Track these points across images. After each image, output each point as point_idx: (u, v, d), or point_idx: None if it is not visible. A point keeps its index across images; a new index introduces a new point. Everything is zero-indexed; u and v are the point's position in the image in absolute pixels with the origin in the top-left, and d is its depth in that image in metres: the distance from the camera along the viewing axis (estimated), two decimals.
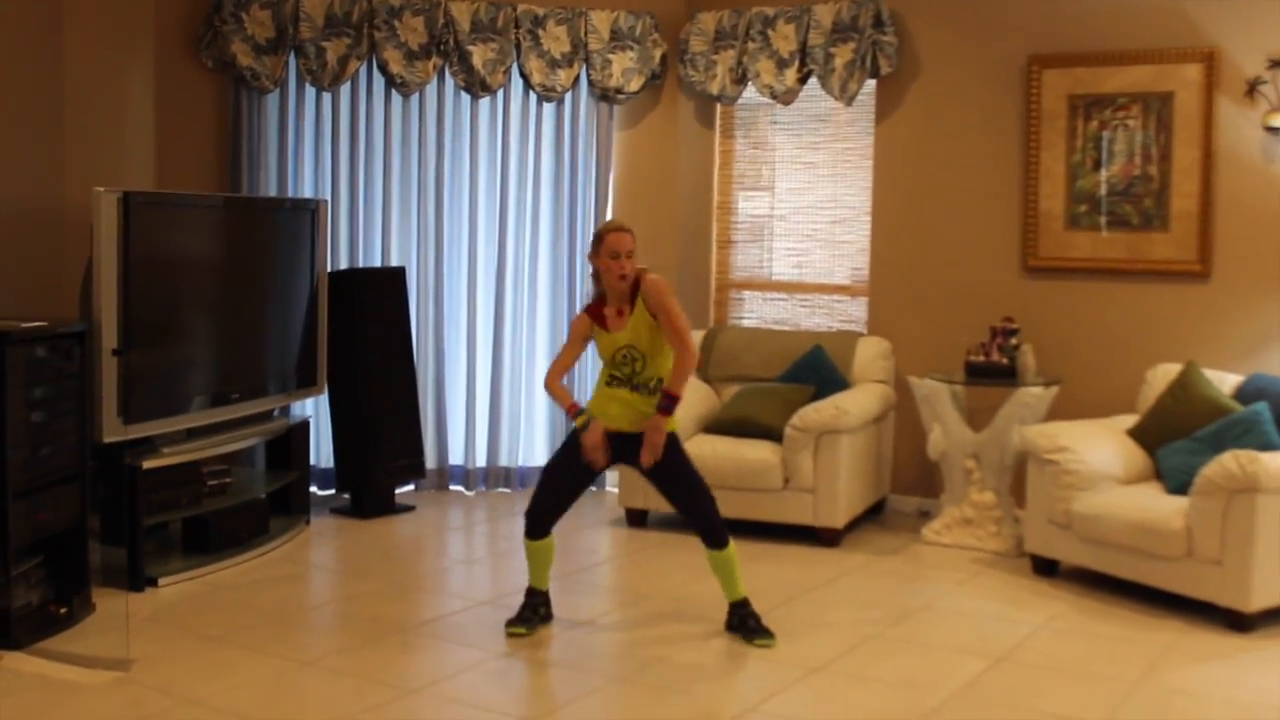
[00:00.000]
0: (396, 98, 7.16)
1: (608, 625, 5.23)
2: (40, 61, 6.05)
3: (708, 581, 5.66)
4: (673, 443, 4.94)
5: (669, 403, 4.85)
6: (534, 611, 5.14)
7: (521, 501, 7.03)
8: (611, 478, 7.23)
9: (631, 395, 4.92)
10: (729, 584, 5.06)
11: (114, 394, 5.37)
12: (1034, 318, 6.54)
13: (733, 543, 5.01)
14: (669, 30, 7.39)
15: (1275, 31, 6.03)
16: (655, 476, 5.02)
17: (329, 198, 7.08)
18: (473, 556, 6.49)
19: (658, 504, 6.57)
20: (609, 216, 7.41)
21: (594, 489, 7.22)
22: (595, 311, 5.02)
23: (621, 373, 4.94)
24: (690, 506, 5.02)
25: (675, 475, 4.98)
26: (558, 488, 5.09)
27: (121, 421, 5.41)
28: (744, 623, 5.04)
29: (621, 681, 4.62)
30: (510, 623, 5.10)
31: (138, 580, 5.48)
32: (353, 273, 6.97)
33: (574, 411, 4.98)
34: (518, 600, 5.38)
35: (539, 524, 5.07)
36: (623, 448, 4.97)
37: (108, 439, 5.38)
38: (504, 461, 7.43)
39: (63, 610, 4.96)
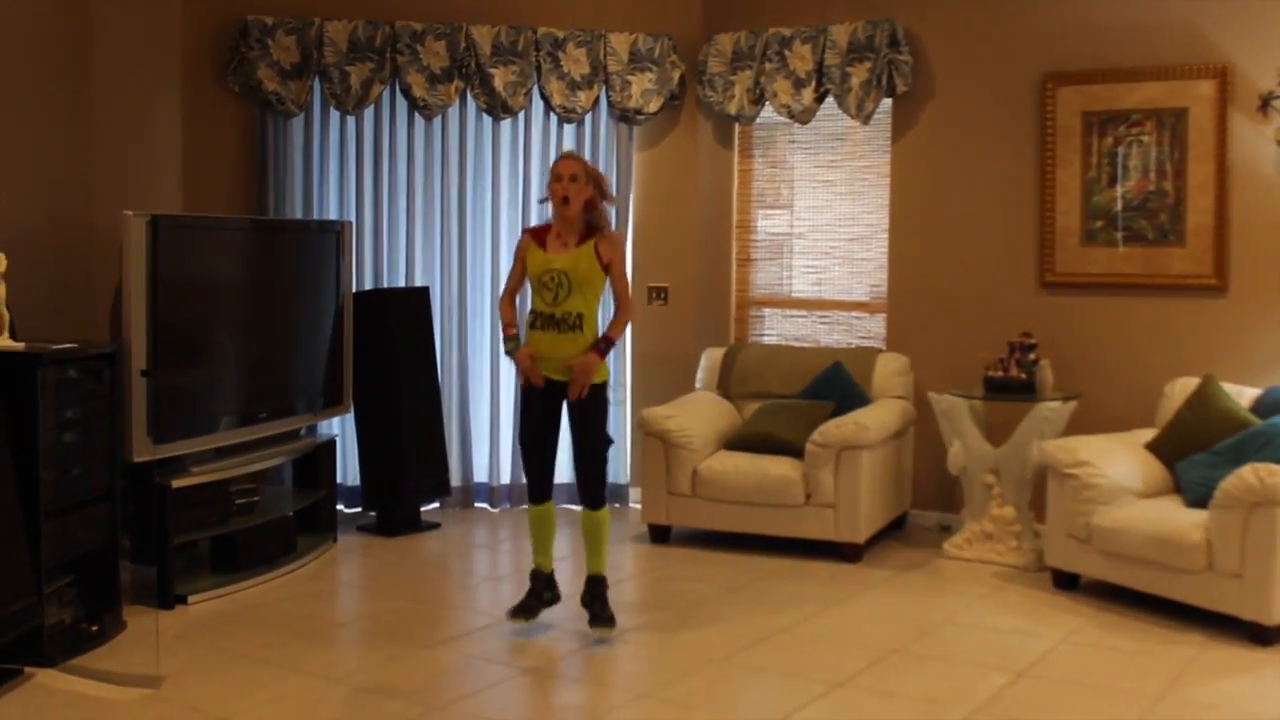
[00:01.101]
0: (419, 120, 7.21)
1: (631, 641, 5.22)
2: (70, 87, 6.11)
3: (733, 596, 5.75)
4: (599, 391, 5.15)
5: (604, 344, 5.09)
6: (537, 597, 5.29)
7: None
8: (635, 494, 7.25)
9: (553, 336, 5.06)
10: (596, 552, 5.22)
11: (143, 414, 5.41)
12: (1052, 333, 6.53)
13: (607, 509, 5.21)
14: (687, 51, 7.42)
15: None
16: (572, 416, 5.16)
17: (354, 219, 7.13)
18: (498, 573, 6.50)
19: (680, 519, 6.65)
20: (629, 234, 7.45)
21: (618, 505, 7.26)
22: (537, 233, 5.19)
23: (544, 300, 5.06)
24: (587, 456, 5.17)
25: (589, 421, 5.14)
26: (533, 452, 5.28)
27: (151, 441, 5.45)
28: (594, 602, 5.19)
29: (645, 697, 4.62)
30: (512, 611, 5.27)
31: (167, 598, 5.51)
32: (377, 293, 7.02)
33: (509, 333, 5.20)
34: (543, 616, 5.42)
35: (534, 490, 5.28)
36: (557, 392, 5.16)
37: (138, 458, 5.42)
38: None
39: (94, 628, 4.99)
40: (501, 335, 5.31)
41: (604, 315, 5.35)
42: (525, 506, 7.25)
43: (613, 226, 5.39)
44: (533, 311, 5.14)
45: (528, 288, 5.26)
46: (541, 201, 5.30)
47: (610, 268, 5.12)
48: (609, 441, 5.28)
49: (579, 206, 5.11)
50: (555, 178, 5.12)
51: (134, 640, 5.04)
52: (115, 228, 5.50)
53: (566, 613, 5.47)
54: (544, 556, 5.34)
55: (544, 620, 5.39)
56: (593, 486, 5.18)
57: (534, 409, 5.23)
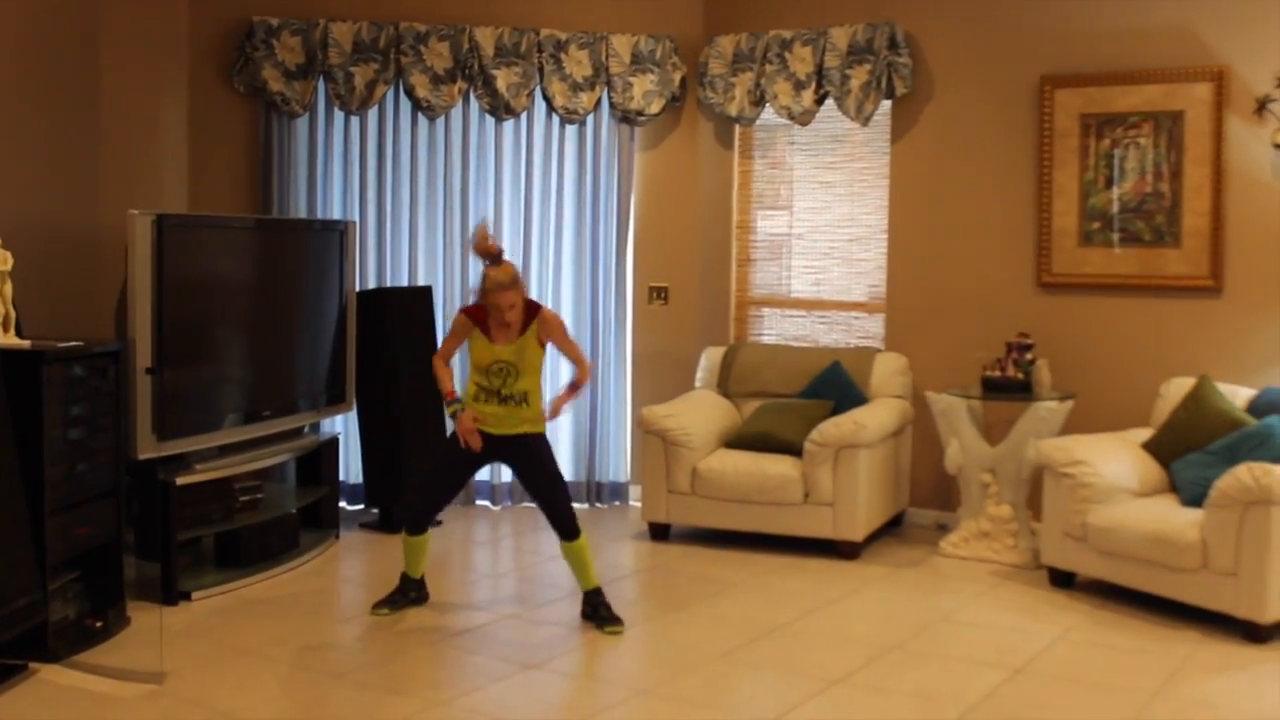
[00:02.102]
0: (423, 121, 7.23)
1: (632, 638, 5.23)
2: (76, 87, 6.14)
3: (732, 593, 5.77)
4: (542, 441, 5.35)
5: (576, 390, 5.34)
6: (404, 595, 5.53)
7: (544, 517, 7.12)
8: (635, 492, 7.27)
9: (500, 408, 5.27)
10: (582, 574, 5.37)
11: (148, 412, 5.43)
12: (1049, 333, 6.54)
13: (585, 535, 5.34)
14: (688, 53, 7.43)
15: None
16: (522, 470, 5.38)
17: (357, 219, 7.16)
18: (499, 570, 6.52)
19: (680, 517, 6.67)
20: (630, 235, 7.49)
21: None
22: (478, 318, 5.28)
23: (491, 384, 5.25)
24: (550, 501, 5.33)
25: (540, 470, 5.33)
26: (436, 486, 5.48)
27: (156, 438, 5.47)
28: (596, 611, 5.32)
29: (645, 694, 4.64)
30: (376, 605, 5.48)
31: (171, 594, 5.53)
32: (381, 292, 7.04)
33: (450, 398, 5.35)
34: (544, 613, 5.48)
35: (419, 521, 5.45)
36: (500, 450, 5.35)
37: (142, 456, 5.44)
38: None
39: (98, 624, 5.00)
40: (443, 398, 5.42)
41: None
42: (527, 505, 7.38)
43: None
44: (478, 386, 5.29)
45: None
46: (475, 291, 5.36)
47: (554, 344, 5.32)
48: (561, 477, 5.46)
49: (518, 310, 5.24)
50: (494, 306, 5.17)
51: (138, 636, 5.05)
52: (121, 226, 5.51)
53: (566, 609, 5.49)
54: (415, 570, 5.56)
55: (545, 619, 5.42)
56: (565, 519, 5.34)
57: (458, 449, 5.35)
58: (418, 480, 5.45)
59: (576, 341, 5.52)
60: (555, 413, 5.33)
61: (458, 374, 5.60)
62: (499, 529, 7.11)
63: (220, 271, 6.01)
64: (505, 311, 5.16)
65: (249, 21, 6.98)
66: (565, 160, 7.43)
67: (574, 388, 5.35)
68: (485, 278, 5.20)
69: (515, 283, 5.20)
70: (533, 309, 5.27)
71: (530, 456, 5.33)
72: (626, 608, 5.52)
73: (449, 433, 5.45)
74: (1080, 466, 5.70)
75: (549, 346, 5.34)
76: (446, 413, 5.43)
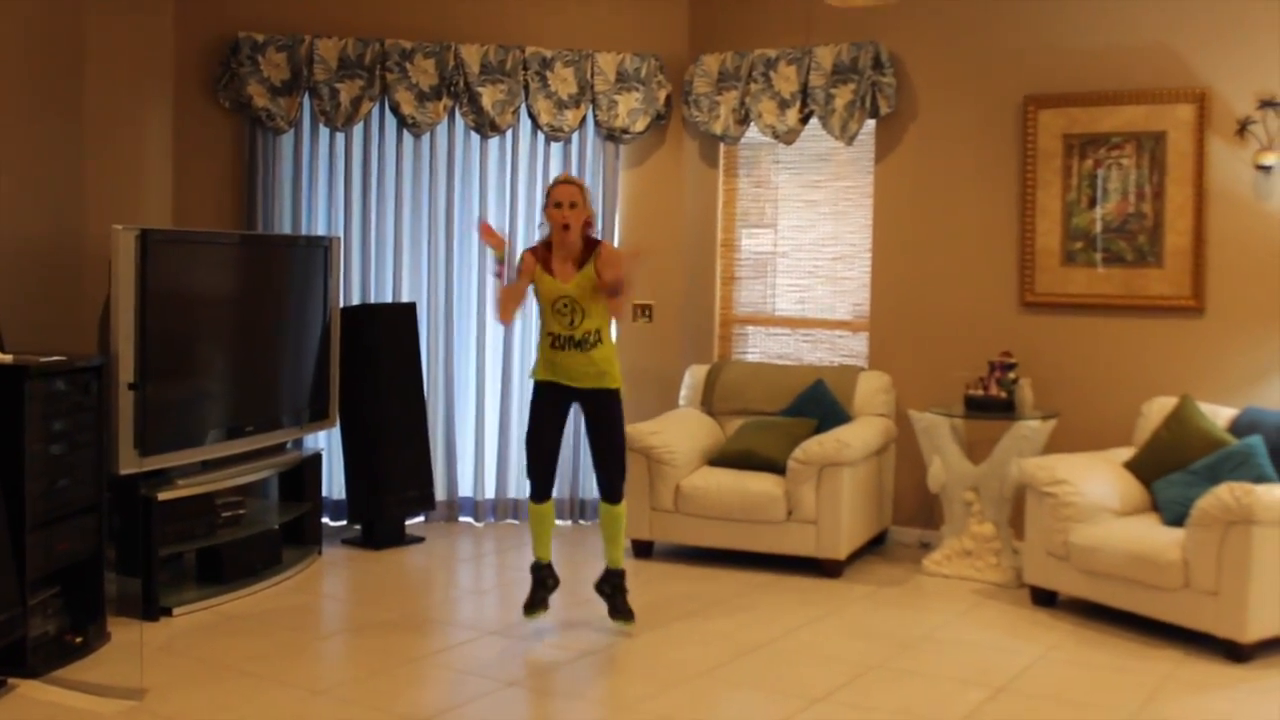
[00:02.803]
0: (408, 138, 7.22)
1: (613, 656, 5.22)
2: (61, 102, 6.11)
3: (714, 611, 5.75)
4: (616, 399, 5.38)
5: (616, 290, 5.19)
6: (543, 586, 5.49)
7: (530, 532, 7.10)
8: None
9: (577, 355, 5.27)
10: (614, 545, 5.46)
11: (130, 427, 5.41)
12: (1031, 352, 6.55)
13: (625, 503, 5.44)
14: (673, 72, 7.44)
15: (1265, 72, 6.08)
16: (592, 422, 5.41)
17: (342, 235, 7.13)
18: (482, 587, 6.50)
19: (663, 535, 6.65)
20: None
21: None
22: (541, 255, 5.30)
23: (561, 326, 5.26)
24: (608, 457, 5.40)
25: (608, 428, 5.38)
26: (543, 453, 5.43)
27: (138, 454, 5.45)
28: (613, 597, 5.44)
29: (627, 711, 4.63)
30: (527, 608, 5.46)
31: (152, 610, 5.50)
32: (365, 308, 7.02)
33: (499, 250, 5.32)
34: (527, 630, 5.45)
35: (540, 489, 5.44)
36: (578, 398, 5.40)
37: (124, 471, 5.42)
38: (512, 494, 7.45)
39: (78, 640, 4.97)
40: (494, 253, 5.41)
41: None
42: (510, 521, 7.39)
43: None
44: (550, 334, 5.31)
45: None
46: (540, 226, 5.45)
47: (607, 269, 5.25)
48: (624, 439, 5.51)
49: (578, 232, 5.27)
50: (555, 204, 5.26)
51: (118, 652, 5.03)
52: (105, 241, 5.48)
53: (549, 626, 5.49)
54: (544, 550, 5.51)
55: (528, 636, 5.41)
56: (614, 481, 5.42)
57: (546, 408, 5.41)
58: (526, 451, 5.49)
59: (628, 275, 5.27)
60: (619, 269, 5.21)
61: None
62: (482, 545, 7.08)
63: (204, 287, 5.99)
64: (565, 210, 5.20)
65: (234, 37, 6.96)
66: (550, 177, 7.29)
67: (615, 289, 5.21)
68: (556, 187, 5.29)
69: (579, 185, 5.30)
70: (592, 244, 5.30)
71: (602, 411, 5.38)
72: (608, 625, 5.51)
73: (531, 394, 5.49)
74: (1062, 485, 5.71)
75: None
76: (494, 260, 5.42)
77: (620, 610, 5.44)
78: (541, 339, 5.38)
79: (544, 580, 5.50)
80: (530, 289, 5.37)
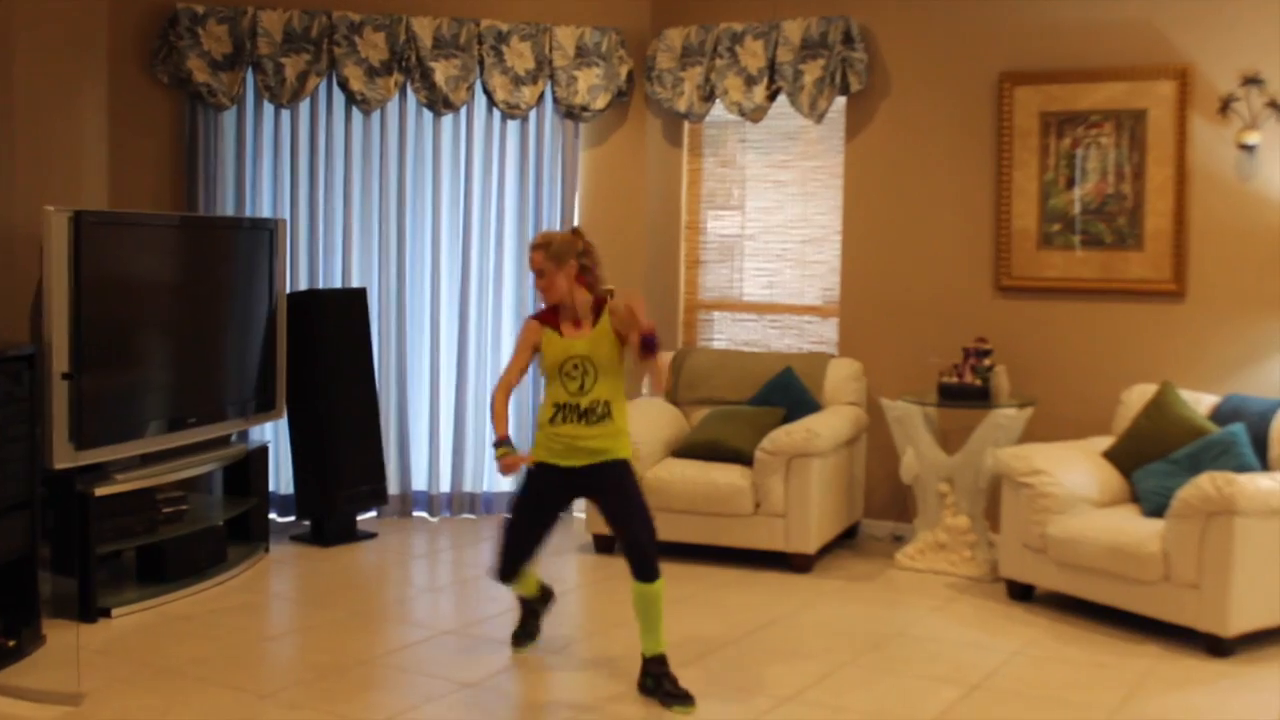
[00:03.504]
0: (357, 115, 7.13)
1: (576, 655, 5.20)
2: None
3: (680, 609, 5.68)
4: (628, 468, 4.82)
5: (650, 342, 4.58)
6: (534, 615, 5.23)
7: (487, 527, 7.06)
8: (580, 503, 7.12)
9: (580, 428, 4.74)
10: (651, 629, 4.73)
11: (65, 419, 5.35)
12: (1007, 338, 6.55)
13: (663, 580, 4.72)
14: (635, 47, 7.38)
15: (1248, 48, 6.07)
16: (609, 501, 4.84)
17: (288, 217, 7.05)
18: (436, 584, 6.46)
19: None
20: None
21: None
22: (547, 318, 4.85)
23: (569, 392, 4.72)
24: (635, 535, 4.75)
25: (628, 502, 4.79)
26: (519, 537, 4.95)
27: (73, 447, 5.38)
28: (660, 684, 4.69)
29: (590, 711, 4.59)
30: (515, 642, 5.19)
31: (90, 611, 5.43)
32: (312, 294, 6.94)
33: (501, 440, 4.80)
34: (483, 629, 5.42)
35: (508, 570, 4.97)
36: (580, 483, 4.85)
37: (58, 465, 5.35)
38: (469, 487, 7.40)
39: (11, 643, 4.88)
40: (492, 431, 4.95)
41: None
42: (466, 516, 7.35)
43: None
44: (554, 405, 4.76)
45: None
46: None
47: (624, 326, 4.72)
48: (649, 511, 4.86)
49: (568, 292, 4.79)
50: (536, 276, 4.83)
51: (54, 655, 4.95)
52: (36, 223, 5.44)
53: (505, 625, 5.39)
54: (531, 589, 5.17)
55: (485, 635, 5.35)
56: (648, 557, 4.71)
57: (537, 492, 4.91)
58: (502, 534, 5.00)
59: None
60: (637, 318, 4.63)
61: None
62: (436, 541, 7.06)
63: (142, 271, 5.92)
64: (537, 279, 4.77)
65: (173, 8, 6.85)
66: (507, 157, 7.35)
67: (649, 344, 4.60)
68: (553, 241, 4.81)
69: (543, 247, 4.77)
70: (602, 303, 4.80)
71: (617, 486, 4.79)
72: (571, 624, 5.51)
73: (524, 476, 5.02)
74: (1039, 476, 5.70)
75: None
76: (495, 453, 4.84)
77: (674, 696, 4.65)
78: (541, 415, 4.85)
79: (534, 610, 5.21)
80: (534, 360, 4.92)
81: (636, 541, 4.72)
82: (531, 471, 4.87)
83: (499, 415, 4.86)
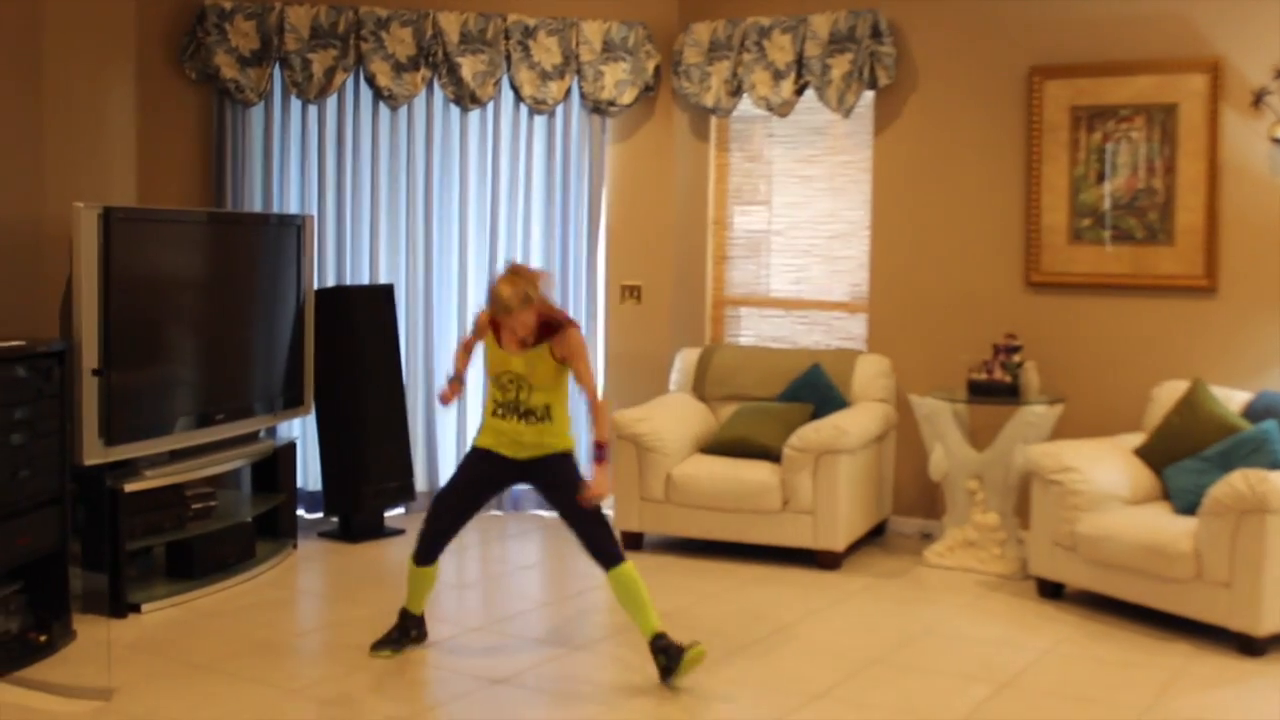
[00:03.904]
0: (384, 110, 7.13)
1: (604, 651, 5.19)
2: (19, 73, 6.01)
3: (707, 605, 5.72)
4: (568, 460, 4.97)
5: (602, 452, 4.87)
6: (404, 634, 5.13)
7: (514, 524, 7.03)
8: (607, 500, 7.12)
9: (520, 425, 4.89)
10: (639, 611, 4.80)
11: (95, 415, 5.35)
12: (1037, 334, 6.51)
13: (631, 561, 4.85)
14: (662, 41, 7.35)
15: None
16: (550, 493, 5.01)
17: (315, 213, 7.05)
18: (464, 581, 6.43)
19: (653, 526, 6.61)
20: (602, 231, 7.40)
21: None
22: (495, 324, 4.91)
23: (506, 397, 4.89)
24: (584, 525, 4.88)
25: (570, 492, 4.89)
26: (449, 511, 5.05)
27: (103, 443, 5.38)
28: (667, 652, 4.75)
29: (617, 709, 4.59)
30: (376, 645, 5.08)
31: (120, 607, 5.43)
32: (340, 290, 6.93)
33: (457, 373, 5.07)
34: (511, 626, 5.41)
35: (428, 551, 5.04)
36: (521, 472, 5.00)
37: (89, 461, 5.36)
38: None
39: (42, 638, 4.90)
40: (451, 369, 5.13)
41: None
42: (493, 512, 7.31)
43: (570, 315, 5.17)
44: (495, 401, 4.94)
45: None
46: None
47: (569, 365, 4.87)
48: (599, 499, 4.96)
49: (530, 330, 4.83)
50: (511, 329, 4.82)
51: (84, 651, 4.96)
52: (66, 220, 5.41)
53: (535, 621, 5.44)
54: (417, 603, 5.15)
55: (513, 632, 5.33)
56: (606, 544, 4.86)
57: (475, 471, 5.02)
58: (431, 505, 5.13)
59: (591, 372, 4.97)
60: (590, 498, 4.83)
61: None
62: (463, 538, 6.82)
63: (171, 268, 5.93)
64: (518, 330, 4.81)
65: (200, 4, 6.87)
66: (534, 153, 7.34)
67: (600, 454, 4.88)
68: (492, 293, 4.79)
69: (525, 302, 4.72)
70: (555, 326, 4.85)
71: (557, 478, 4.95)
72: (599, 620, 5.51)
73: (463, 456, 5.16)
74: (1069, 473, 5.66)
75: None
76: (446, 381, 5.13)
77: (679, 653, 4.73)
78: (486, 403, 5.04)
79: (407, 629, 5.14)
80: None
81: (589, 535, 4.87)
82: (472, 455, 5.03)
83: (457, 360, 5.11)
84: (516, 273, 4.80)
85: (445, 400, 5.11)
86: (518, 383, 4.87)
